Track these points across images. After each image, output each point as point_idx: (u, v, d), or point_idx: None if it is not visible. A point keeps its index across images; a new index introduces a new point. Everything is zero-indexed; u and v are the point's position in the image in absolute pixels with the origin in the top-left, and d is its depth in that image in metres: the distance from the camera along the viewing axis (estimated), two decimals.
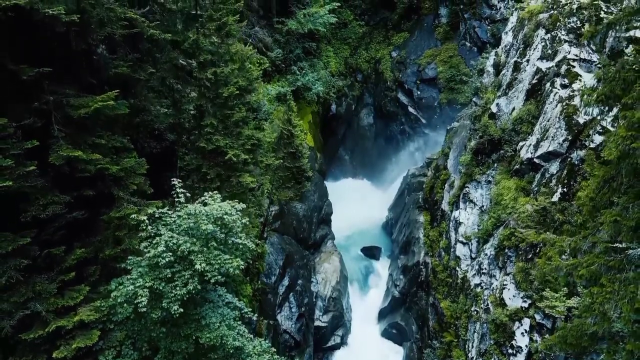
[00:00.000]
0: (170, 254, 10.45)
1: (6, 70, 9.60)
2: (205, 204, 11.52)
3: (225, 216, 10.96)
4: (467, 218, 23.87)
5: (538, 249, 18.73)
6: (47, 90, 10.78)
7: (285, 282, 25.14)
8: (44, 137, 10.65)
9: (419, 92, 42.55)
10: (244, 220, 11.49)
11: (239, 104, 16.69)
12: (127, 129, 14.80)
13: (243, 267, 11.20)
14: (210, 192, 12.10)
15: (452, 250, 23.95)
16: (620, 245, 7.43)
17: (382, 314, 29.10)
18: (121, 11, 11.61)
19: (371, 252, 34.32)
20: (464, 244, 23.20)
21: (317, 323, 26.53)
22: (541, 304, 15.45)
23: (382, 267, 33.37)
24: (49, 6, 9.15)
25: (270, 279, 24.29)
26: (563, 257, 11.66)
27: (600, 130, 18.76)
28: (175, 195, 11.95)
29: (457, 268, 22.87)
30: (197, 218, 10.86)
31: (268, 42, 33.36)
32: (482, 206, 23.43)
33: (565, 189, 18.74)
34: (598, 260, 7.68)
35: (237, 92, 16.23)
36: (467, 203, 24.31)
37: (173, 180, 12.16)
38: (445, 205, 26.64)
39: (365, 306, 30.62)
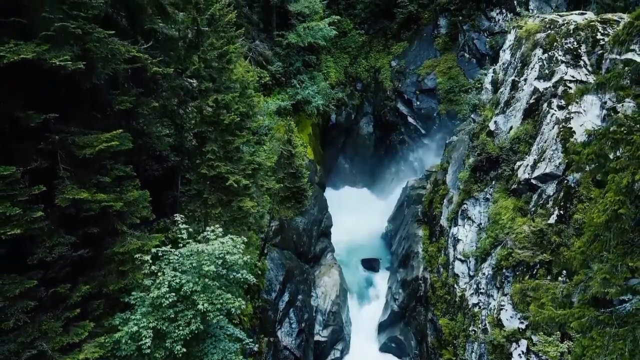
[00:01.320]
0: (174, 294, 10.70)
1: (13, 117, 9.84)
2: (207, 240, 11.76)
3: (227, 256, 11.21)
4: (466, 235, 24.10)
5: (535, 270, 19.00)
6: (53, 129, 11.02)
7: (286, 297, 25.37)
8: (49, 177, 10.88)
9: (418, 103, 42.79)
10: (245, 258, 11.73)
11: (240, 130, 16.91)
12: (129, 154, 15.06)
13: (244, 305, 11.44)
14: (211, 227, 12.34)
15: (450, 267, 24.19)
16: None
17: (381, 327, 29.33)
18: (125, 50, 11.84)
19: (370, 265, 34.56)
20: (462, 261, 23.44)
21: (316, 338, 26.76)
22: (534, 348, 15.81)
23: (381, 279, 33.59)
24: (55, 56, 9.39)
25: (271, 295, 24.53)
26: (560, 280, 11.91)
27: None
28: (177, 231, 12.19)
29: (455, 286, 23.11)
30: (199, 257, 11.11)
31: (268, 56, 33.61)
32: (480, 224, 23.67)
33: (561, 211, 18.98)
34: (588, 313, 7.93)
35: (238, 119, 16.46)
36: (466, 220, 24.55)
37: (176, 216, 12.39)
38: (443, 221, 26.88)
39: (365, 319, 30.84)
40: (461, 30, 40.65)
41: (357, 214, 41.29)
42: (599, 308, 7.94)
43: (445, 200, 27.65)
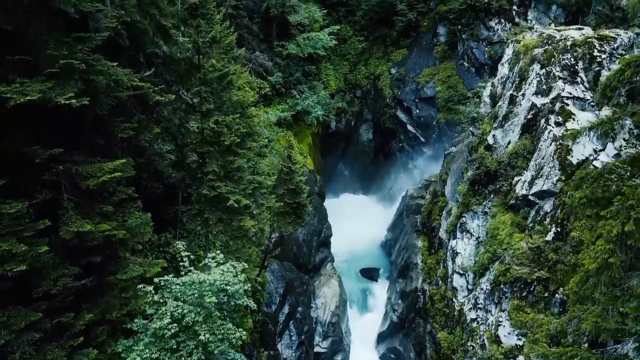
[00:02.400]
0: (176, 324, 10.90)
1: (18, 153, 10.04)
2: (208, 268, 11.97)
3: (227, 287, 11.42)
4: (464, 249, 24.30)
5: (532, 287, 19.20)
6: (57, 159, 11.21)
7: (286, 309, 25.58)
8: (53, 207, 11.09)
9: (417, 111, 42.99)
10: (246, 287, 11.94)
11: (241, 148, 17.12)
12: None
13: (245, 336, 11.66)
14: (212, 252, 12.55)
15: (449, 280, 24.39)
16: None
17: (380, 338, 29.54)
18: (127, 80, 12.04)
19: (370, 274, 34.78)
20: (460, 275, 23.64)
21: (316, 349, 26.98)
22: None
23: (380, 289, 33.80)
24: (60, 94, 9.60)
25: (271, 307, 24.73)
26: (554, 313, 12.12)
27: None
28: (180, 259, 12.40)
29: (454, 299, 23.31)
30: (201, 288, 11.31)
31: (268, 66, 33.80)
32: (479, 237, 23.86)
33: (558, 229, 19.17)
34: (580, 353, 8.14)
35: (239, 140, 16.67)
36: (464, 233, 24.75)
37: (178, 244, 12.58)
38: (442, 233, 27.07)
39: (364, 329, 31.05)
40: (460, 39, 40.84)
41: (357, 221, 41.48)
42: (592, 347, 8.14)
43: (444, 212, 27.86)
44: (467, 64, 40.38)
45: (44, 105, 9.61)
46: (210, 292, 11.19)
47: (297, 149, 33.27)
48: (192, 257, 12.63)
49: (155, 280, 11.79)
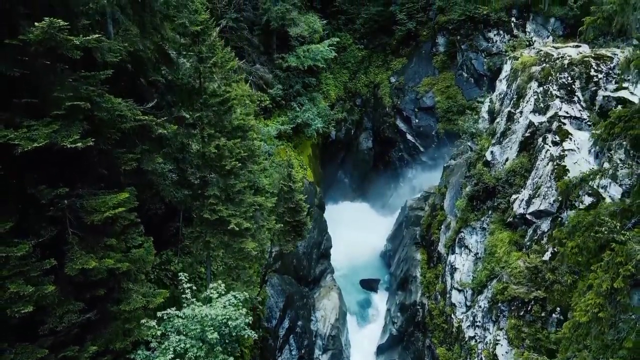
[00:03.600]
0: (178, 359, 11.15)
1: (25, 194, 10.28)
2: (210, 300, 12.21)
3: (229, 322, 11.65)
4: (463, 264, 24.53)
5: (530, 306, 19.42)
6: (62, 193, 11.45)
7: (286, 324, 25.81)
8: (58, 241, 11.32)
9: (417, 120, 43.23)
10: (247, 320, 12.18)
11: (242, 174, 17.35)
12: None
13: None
14: (214, 283, 12.78)
15: (448, 296, 24.62)
16: None
17: (380, 350, 29.76)
18: (131, 114, 12.28)
19: (370, 285, 35.01)
20: (459, 291, 23.86)
21: None
22: None
23: (380, 300, 34.04)
24: (65, 137, 9.84)
25: (271, 322, 24.97)
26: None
27: (590, 192, 19.47)
28: (182, 290, 12.64)
29: (452, 315, 23.54)
30: (203, 323, 11.54)
31: (268, 79, 34.04)
32: (477, 253, 24.09)
33: (556, 249, 19.40)
34: None
35: (240, 164, 16.90)
36: (463, 249, 24.98)
37: (180, 275, 12.82)
38: (441, 248, 27.30)
39: (364, 341, 31.27)
40: (459, 50, 41.10)
41: (357, 230, 41.73)
42: None
43: (443, 226, 28.08)
44: (466, 75, 40.62)
45: (50, 148, 9.84)
46: (212, 328, 11.43)
47: (297, 161, 33.54)
48: (194, 287, 12.86)
49: (159, 314, 12.02)
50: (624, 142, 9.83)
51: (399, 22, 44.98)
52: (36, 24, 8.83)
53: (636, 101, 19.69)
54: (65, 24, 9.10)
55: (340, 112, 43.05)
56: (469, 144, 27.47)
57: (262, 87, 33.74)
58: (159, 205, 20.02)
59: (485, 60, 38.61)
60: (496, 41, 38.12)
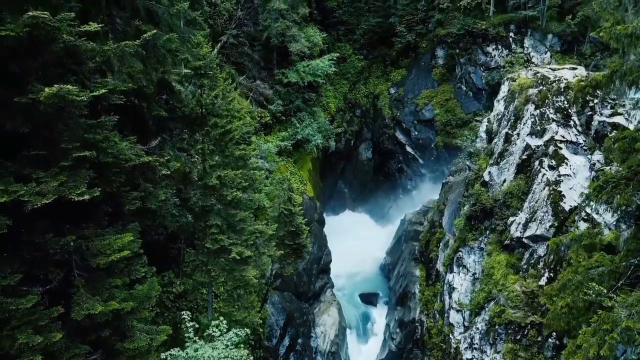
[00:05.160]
0: None
1: (33, 243, 10.60)
2: (211, 338, 12.53)
3: None
4: (461, 284, 24.85)
5: (526, 331, 19.75)
6: (67, 234, 11.75)
7: (286, 342, 26.12)
8: (65, 284, 11.64)
9: (416, 132, 43.57)
10: None
11: (243, 203, 17.65)
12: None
13: None
14: (215, 321, 13.11)
15: (446, 315, 24.94)
16: None
17: None
18: (135, 157, 12.59)
19: (369, 299, 35.34)
20: (457, 311, 24.18)
21: None
22: None
23: (379, 314, 34.37)
24: (73, 189, 10.15)
25: (272, 341, 25.28)
26: None
27: (585, 218, 19.80)
28: (184, 329, 12.96)
29: (450, 335, 23.86)
30: None
31: (269, 95, 34.38)
32: (475, 273, 24.41)
33: (551, 274, 19.72)
34: None
35: (241, 194, 17.21)
36: (461, 268, 25.30)
37: (183, 314, 13.14)
38: (439, 266, 27.62)
39: (363, 356, 31.60)
40: (458, 63, 41.42)
41: (356, 240, 42.08)
42: None
43: (441, 244, 28.40)
44: (465, 88, 40.95)
45: (58, 200, 10.16)
46: None
47: (297, 176, 33.86)
48: (196, 325, 13.18)
49: (162, 355, 12.34)
50: (611, 206, 10.15)
51: (398, 34, 45.33)
52: (46, 89, 9.14)
53: (631, 127, 20.01)
54: (74, 88, 9.41)
55: (340, 125, 43.34)
56: (467, 163, 27.78)
57: (263, 103, 34.09)
58: (162, 230, 20.36)
59: (483, 74, 38.93)
60: (494, 56, 38.44)
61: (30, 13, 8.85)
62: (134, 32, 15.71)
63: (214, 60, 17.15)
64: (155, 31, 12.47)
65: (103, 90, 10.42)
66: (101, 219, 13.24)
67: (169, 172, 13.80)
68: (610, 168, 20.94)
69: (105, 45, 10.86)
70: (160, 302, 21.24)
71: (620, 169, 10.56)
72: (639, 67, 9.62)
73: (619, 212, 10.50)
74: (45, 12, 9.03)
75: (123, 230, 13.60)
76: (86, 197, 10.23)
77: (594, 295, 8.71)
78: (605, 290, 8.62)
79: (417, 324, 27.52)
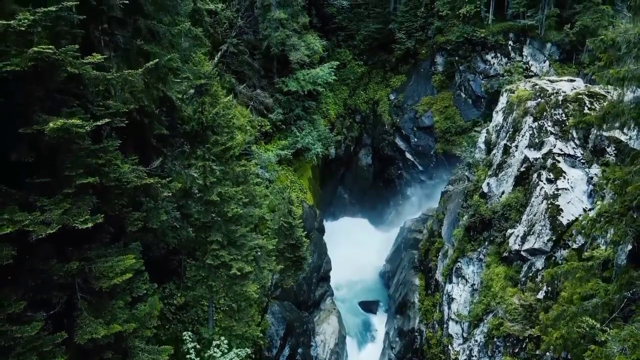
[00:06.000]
0: None
1: (37, 270, 10.76)
2: (213, 358, 12.72)
3: None
4: (460, 295, 25.02)
5: (524, 344, 19.91)
6: (70, 257, 11.93)
7: (286, 352, 26.29)
8: (68, 307, 11.80)
9: (415, 139, 43.72)
10: None
11: (244, 219, 17.81)
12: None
13: None
14: (217, 341, 13.28)
15: (445, 326, 25.10)
16: None
17: None
18: (138, 180, 12.75)
19: (369, 307, 35.49)
20: (456, 322, 24.35)
21: None
22: None
23: (379, 321, 34.53)
24: (76, 217, 10.31)
25: (272, 351, 25.44)
26: None
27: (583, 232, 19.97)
28: (186, 350, 13.14)
29: (449, 346, 24.02)
30: None
31: (269, 104, 34.54)
32: (474, 284, 24.58)
33: (549, 288, 19.89)
34: None
35: (241, 211, 17.38)
36: (460, 279, 25.46)
37: (184, 335, 13.32)
38: (439, 275, 27.78)
39: None
40: (457, 70, 41.58)
41: (356, 246, 42.24)
42: None
43: (440, 254, 28.57)
44: (464, 95, 41.10)
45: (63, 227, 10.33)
46: None
47: (297, 185, 34.03)
48: (198, 346, 13.36)
49: None
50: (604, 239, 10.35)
51: (397, 40, 45.45)
52: (51, 124, 9.30)
53: (631, 144, 20.14)
54: (79, 122, 9.57)
55: (340, 131, 43.54)
56: (466, 173, 27.96)
57: (263, 112, 34.25)
58: (163, 245, 20.51)
59: (482, 82, 39.09)
60: (494, 64, 38.61)
61: (35, 48, 9.01)
62: (136, 51, 15.90)
63: (214, 77, 17.33)
64: (157, 61, 12.63)
65: (106, 120, 10.56)
66: (103, 238, 13.40)
67: (170, 193, 13.94)
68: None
69: (108, 74, 11.01)
70: (161, 314, 21.34)
71: (615, 205, 10.69)
72: (630, 109, 9.78)
73: (612, 247, 10.64)
74: (50, 47, 9.19)
75: (125, 250, 13.80)
76: (89, 225, 10.39)
77: (587, 329, 8.87)
78: (598, 325, 8.78)
79: (417, 334, 27.68)
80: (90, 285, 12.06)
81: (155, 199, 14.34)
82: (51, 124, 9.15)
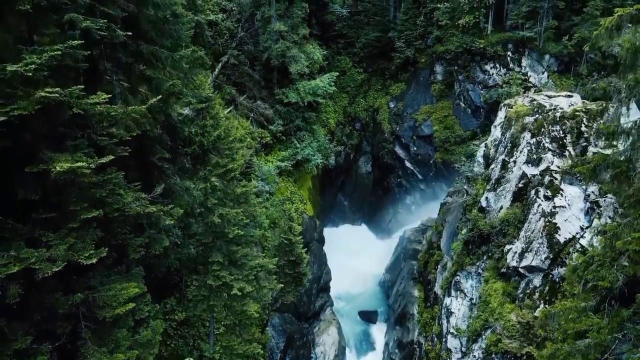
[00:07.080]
0: None
1: (42, 304, 11.01)
2: None
3: None
4: (458, 309, 25.24)
5: None
6: (74, 286, 12.15)
7: None
8: (72, 336, 12.04)
9: (415, 148, 43.93)
10: None
11: (245, 239, 18.04)
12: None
13: None
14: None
15: (444, 340, 25.33)
16: None
17: None
18: (141, 209, 12.97)
19: (369, 317, 35.71)
20: (454, 336, 24.57)
21: None
22: None
23: (379, 331, 34.74)
24: (81, 252, 10.55)
25: None
26: None
27: (580, 250, 20.21)
28: None
29: None
30: None
31: (269, 115, 34.75)
32: (472, 299, 24.80)
33: (546, 305, 20.11)
34: None
35: (242, 232, 17.60)
36: (458, 292, 25.68)
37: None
38: (438, 288, 28.01)
39: None
40: (457, 80, 41.77)
41: (356, 254, 42.52)
42: None
43: (439, 266, 28.79)
44: (463, 105, 41.29)
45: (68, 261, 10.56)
46: None
47: (297, 196, 34.25)
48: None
49: None
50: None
51: (397, 48, 45.63)
52: (57, 167, 9.53)
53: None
54: (85, 164, 9.80)
55: (340, 139, 43.84)
56: (465, 187, 28.17)
57: (263, 123, 34.47)
58: (164, 262, 20.74)
59: (481, 92, 39.28)
60: (493, 74, 38.80)
61: (42, 93, 9.22)
62: (138, 76, 16.12)
63: (215, 99, 17.55)
64: (159, 97, 12.86)
65: (111, 157, 10.79)
66: (106, 262, 13.61)
67: (172, 221, 14.16)
68: (604, 199, 21.37)
69: (112, 109, 11.22)
70: (163, 331, 21.61)
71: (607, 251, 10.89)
72: (620, 161, 10.01)
73: (603, 294, 10.88)
74: (56, 91, 9.40)
75: (128, 275, 14.05)
76: (94, 260, 10.62)
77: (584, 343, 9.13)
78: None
79: (416, 346, 27.91)
80: (94, 314, 12.29)
81: (157, 227, 14.56)
82: (57, 167, 9.37)
